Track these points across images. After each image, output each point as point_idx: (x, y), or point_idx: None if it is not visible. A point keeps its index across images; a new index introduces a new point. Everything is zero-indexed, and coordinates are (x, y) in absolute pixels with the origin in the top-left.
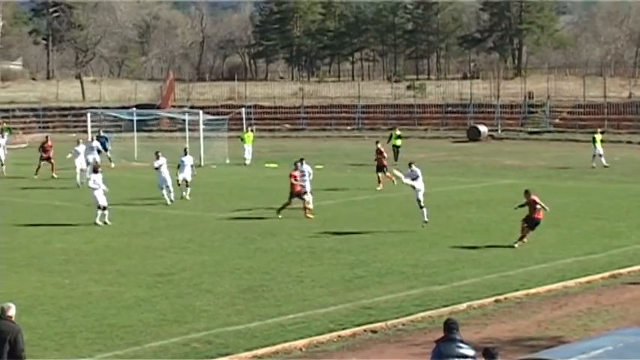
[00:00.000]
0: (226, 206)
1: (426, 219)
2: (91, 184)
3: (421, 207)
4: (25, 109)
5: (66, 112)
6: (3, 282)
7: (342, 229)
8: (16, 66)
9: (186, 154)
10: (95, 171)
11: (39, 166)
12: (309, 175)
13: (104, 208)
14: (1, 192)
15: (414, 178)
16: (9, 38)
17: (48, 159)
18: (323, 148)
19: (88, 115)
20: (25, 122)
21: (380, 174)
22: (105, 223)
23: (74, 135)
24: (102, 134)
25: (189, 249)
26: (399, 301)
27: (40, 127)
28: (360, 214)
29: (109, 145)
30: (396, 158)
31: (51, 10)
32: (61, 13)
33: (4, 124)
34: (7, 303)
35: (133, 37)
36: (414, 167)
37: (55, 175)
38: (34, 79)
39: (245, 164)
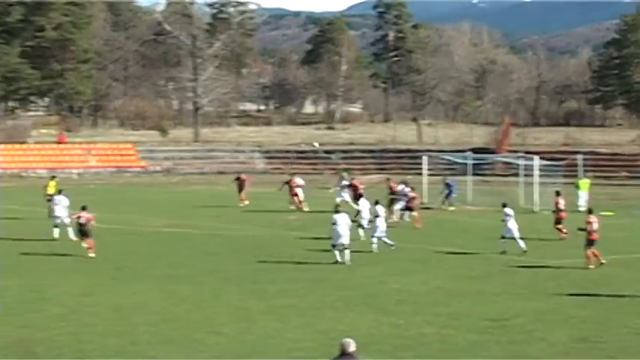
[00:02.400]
0: (560, 253)
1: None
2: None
3: None
4: (363, 151)
5: (402, 155)
6: (340, 319)
7: None
8: (356, 108)
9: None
10: (337, 212)
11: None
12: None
13: (337, 247)
14: None
15: None
16: (350, 82)
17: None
18: None
19: (424, 157)
20: (362, 163)
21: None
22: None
23: (409, 177)
24: (448, 181)
25: (523, 295)
26: None
27: (376, 169)
28: None
29: (454, 190)
30: None
31: (391, 54)
32: (401, 58)
33: (343, 166)
34: (346, 339)
35: (470, 82)
36: None
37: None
38: (372, 121)
39: (579, 211)
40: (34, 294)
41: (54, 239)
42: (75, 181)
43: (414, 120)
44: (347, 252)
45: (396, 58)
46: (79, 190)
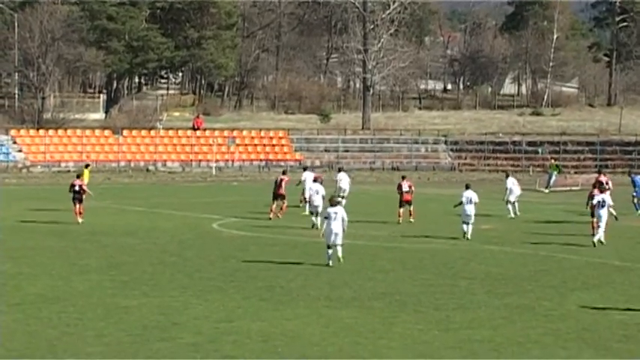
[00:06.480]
0: None
1: None
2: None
3: None
4: (579, 143)
5: (630, 148)
6: (548, 358)
7: None
8: (569, 88)
9: None
10: (332, 205)
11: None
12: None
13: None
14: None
15: None
16: (563, 54)
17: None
18: None
19: None
20: (578, 159)
21: None
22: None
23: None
24: (632, 175)
25: None
26: None
27: (596, 166)
28: None
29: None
30: None
31: (617, 19)
32: (630, 24)
33: (552, 161)
34: None
35: None
36: None
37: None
38: (591, 105)
39: None
40: (163, 317)
41: None
42: (213, 177)
43: None
44: (339, 249)
45: (624, 24)
46: (218, 188)
